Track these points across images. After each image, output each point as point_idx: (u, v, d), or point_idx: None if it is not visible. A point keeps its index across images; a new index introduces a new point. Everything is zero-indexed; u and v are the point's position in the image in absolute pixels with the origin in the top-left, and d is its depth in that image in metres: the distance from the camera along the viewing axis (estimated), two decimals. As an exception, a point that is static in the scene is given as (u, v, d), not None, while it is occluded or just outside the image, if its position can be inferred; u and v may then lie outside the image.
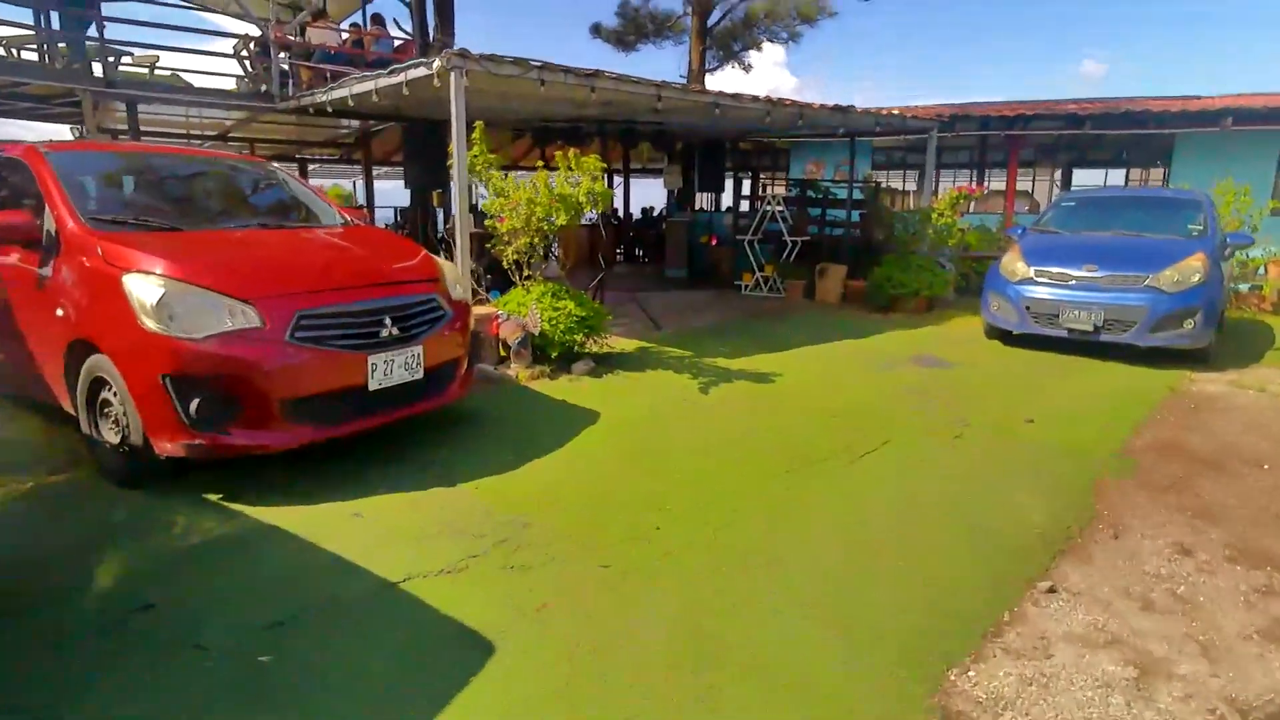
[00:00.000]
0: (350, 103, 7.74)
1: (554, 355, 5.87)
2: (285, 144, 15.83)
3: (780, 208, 11.20)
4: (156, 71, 9.56)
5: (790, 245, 11.06)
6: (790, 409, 5.15)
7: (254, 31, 10.89)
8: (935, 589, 2.78)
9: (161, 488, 3.54)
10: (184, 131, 13.30)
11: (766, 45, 18.97)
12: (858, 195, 11.84)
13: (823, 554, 3.07)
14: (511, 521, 3.30)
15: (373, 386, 3.66)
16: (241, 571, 2.87)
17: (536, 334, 5.75)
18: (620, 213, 17.51)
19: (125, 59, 9.38)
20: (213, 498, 3.47)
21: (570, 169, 5.70)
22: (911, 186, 17.65)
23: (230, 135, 13.76)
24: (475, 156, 5.97)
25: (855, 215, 11.69)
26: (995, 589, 2.79)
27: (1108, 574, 2.91)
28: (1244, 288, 10.30)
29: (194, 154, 5.38)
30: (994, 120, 12.98)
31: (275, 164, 5.12)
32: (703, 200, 16.91)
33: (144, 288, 3.26)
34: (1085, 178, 16.56)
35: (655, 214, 18.44)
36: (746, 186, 18.06)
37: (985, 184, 15.72)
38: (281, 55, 10.23)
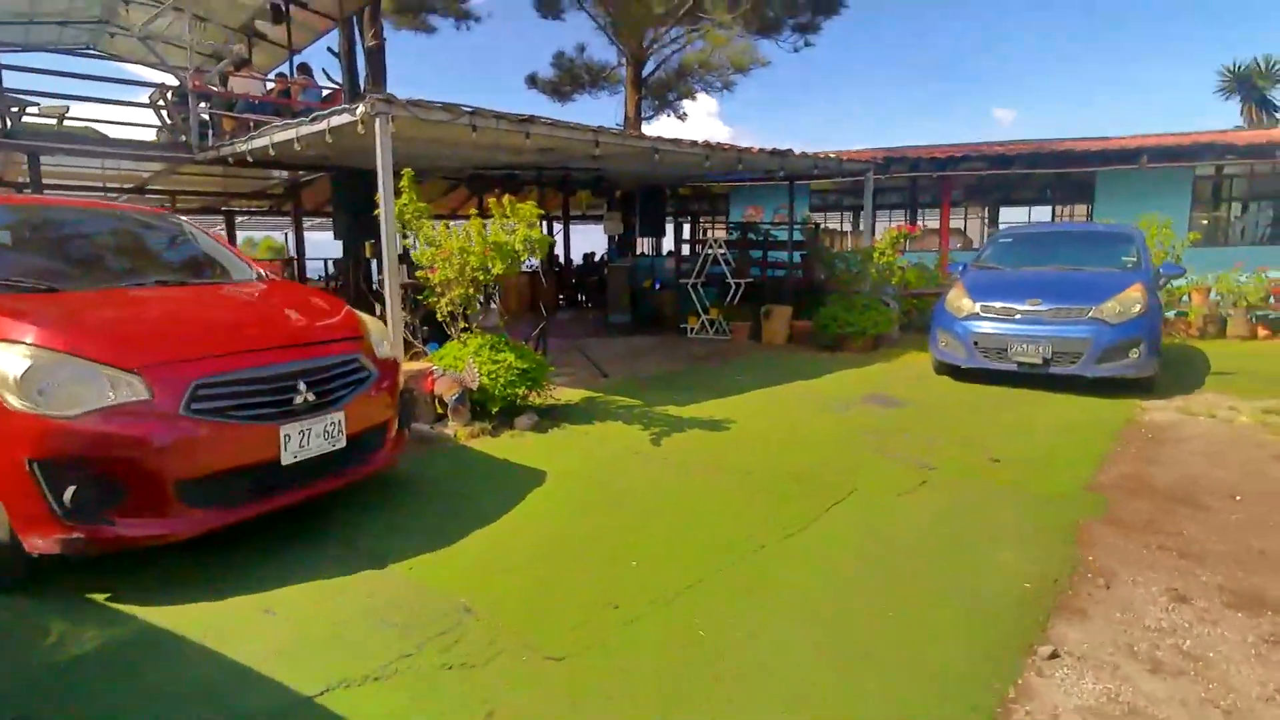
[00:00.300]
0: (272, 152, 7.34)
1: (495, 411, 5.50)
2: (210, 196, 15.18)
3: (722, 250, 11.15)
4: (67, 123, 9.02)
5: (734, 287, 10.99)
6: (747, 459, 4.88)
7: (171, 81, 10.44)
8: (930, 666, 2.50)
9: (37, 588, 3.03)
10: (99, 185, 12.62)
11: (701, 96, 19.31)
12: (798, 236, 11.89)
13: (798, 638, 2.76)
14: (450, 608, 2.91)
15: (287, 460, 3.24)
16: (124, 691, 2.39)
17: (475, 389, 5.38)
18: (562, 259, 17.33)
19: (31, 109, 8.86)
20: (98, 598, 2.97)
21: (506, 216, 5.42)
22: (848, 228, 18.00)
23: (148, 189, 13.10)
24: (404, 205, 5.65)
25: (797, 257, 11.71)
26: (993, 658, 2.52)
27: (1107, 631, 2.68)
28: (1170, 314, 10.63)
29: (86, 206, 4.90)
30: (925, 162, 13.35)
31: (182, 217, 4.69)
32: (644, 245, 16.86)
33: (8, 359, 2.79)
34: (1012, 215, 17.14)
35: (597, 260, 18.32)
36: (687, 231, 18.13)
37: (920, 223, 16.11)
38: (202, 105, 9.81)
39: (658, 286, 13.23)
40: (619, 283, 13.51)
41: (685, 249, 14.08)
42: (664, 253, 16.45)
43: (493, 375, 5.47)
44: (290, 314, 3.85)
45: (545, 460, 4.82)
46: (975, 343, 6.96)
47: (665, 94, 18.72)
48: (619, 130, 7.05)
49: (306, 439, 3.31)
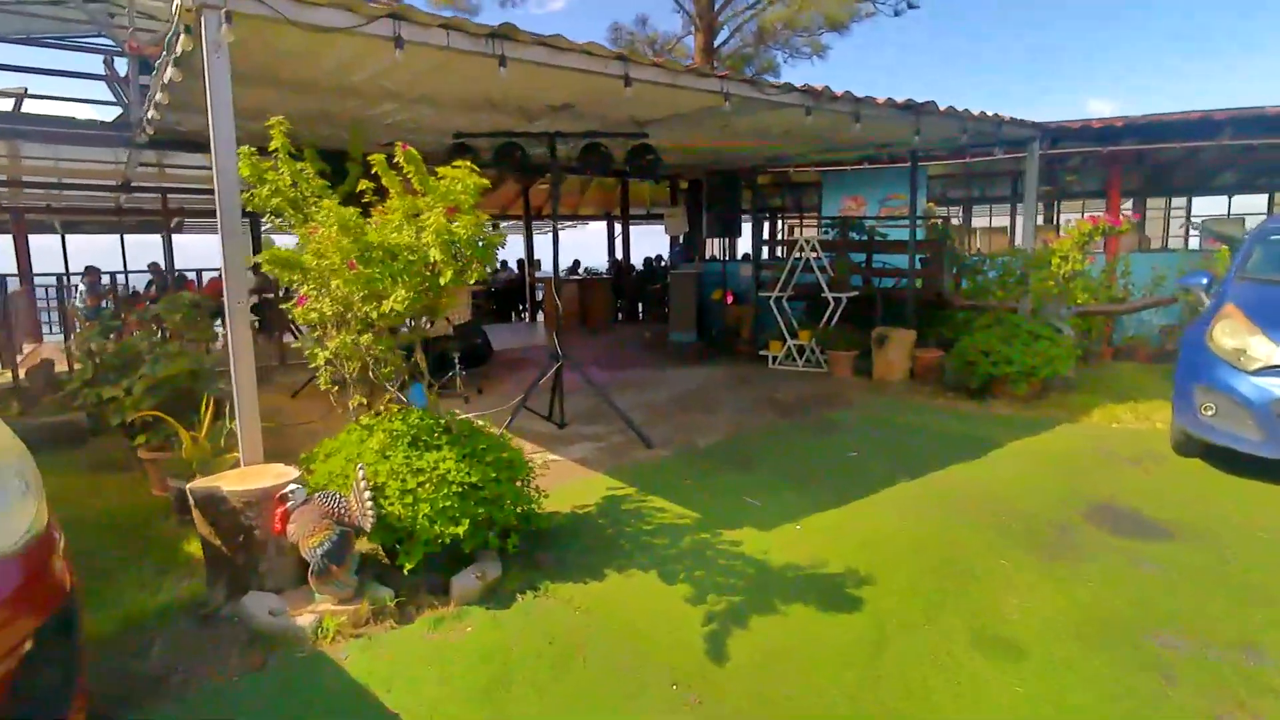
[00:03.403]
0: (155, 115, 5.00)
1: (409, 567, 2.90)
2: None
3: (816, 254, 8.31)
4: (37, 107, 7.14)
5: (831, 304, 8.15)
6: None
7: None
8: None
9: None
10: (74, 181, 10.73)
11: (785, 68, 16.41)
12: (920, 235, 8.89)
13: None
14: None
15: None
16: None
17: (368, 528, 2.81)
18: (618, 265, 14.78)
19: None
20: None
21: (418, 191, 2.83)
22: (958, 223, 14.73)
23: (134, 184, 11.05)
24: (273, 188, 3.14)
25: (919, 262, 8.74)
26: None
27: None
28: None
29: None
30: (1084, 133, 10.06)
31: None
32: (714, 247, 14.11)
33: None
34: (1188, 206, 13.55)
35: (663, 265, 15.65)
36: (767, 231, 15.28)
37: (1071, 217, 12.75)
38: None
39: (730, 300, 10.50)
40: (683, 294, 10.85)
41: (765, 252, 11.29)
42: (739, 256, 13.67)
43: (409, 500, 2.88)
44: None
45: (474, 716, 2.21)
46: (1282, 416, 3.97)
47: (741, 69, 15.90)
48: (666, 61, 4.37)
49: None
